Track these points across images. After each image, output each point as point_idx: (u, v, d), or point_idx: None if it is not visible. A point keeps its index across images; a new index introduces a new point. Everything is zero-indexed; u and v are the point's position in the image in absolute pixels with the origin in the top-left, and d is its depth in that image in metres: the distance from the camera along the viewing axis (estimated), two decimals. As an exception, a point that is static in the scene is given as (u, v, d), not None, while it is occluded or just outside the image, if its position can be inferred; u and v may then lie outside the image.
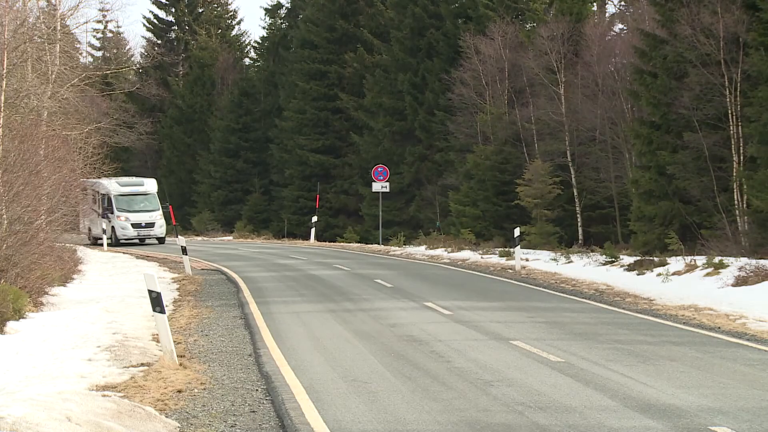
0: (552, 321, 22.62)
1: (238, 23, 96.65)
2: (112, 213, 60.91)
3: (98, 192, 62.17)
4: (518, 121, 52.76)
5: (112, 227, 60.60)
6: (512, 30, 53.39)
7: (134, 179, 64.61)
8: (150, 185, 63.37)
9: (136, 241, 62.28)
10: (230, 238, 75.47)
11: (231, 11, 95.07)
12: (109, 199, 61.25)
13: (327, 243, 64.22)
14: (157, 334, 18.87)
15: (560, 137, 49.65)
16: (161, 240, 62.31)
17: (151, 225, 61.54)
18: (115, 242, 60.34)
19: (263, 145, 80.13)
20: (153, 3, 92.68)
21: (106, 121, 53.49)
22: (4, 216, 25.95)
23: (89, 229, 63.24)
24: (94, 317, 23.28)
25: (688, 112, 36.89)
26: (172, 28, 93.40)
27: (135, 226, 61.16)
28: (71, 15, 50.51)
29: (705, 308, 24.21)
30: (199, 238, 74.27)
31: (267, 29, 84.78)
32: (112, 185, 61.20)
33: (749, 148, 35.25)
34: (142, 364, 17.23)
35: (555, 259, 38.83)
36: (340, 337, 20.72)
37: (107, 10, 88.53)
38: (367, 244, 61.44)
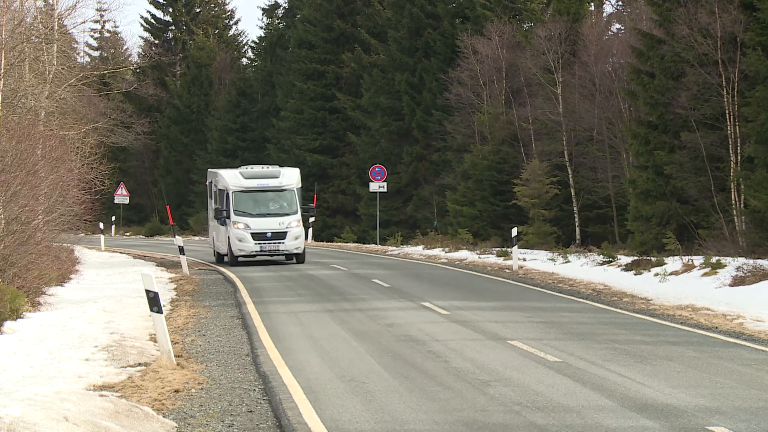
0: (549, 321, 22.62)
1: (236, 23, 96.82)
2: (229, 217, 41.51)
3: (216, 186, 44.36)
4: (515, 121, 52.77)
5: (228, 238, 41.62)
6: (509, 30, 53.40)
7: (265, 169, 43.62)
8: (287, 177, 42.72)
9: (260, 258, 42.46)
10: (228, 237, 75.37)
11: (228, 11, 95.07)
12: (227, 197, 41.89)
13: (324, 243, 64.23)
14: (155, 334, 18.86)
15: (557, 137, 49.65)
16: (299, 258, 42.18)
17: (280, 236, 41.17)
18: (232, 260, 41.80)
19: (261, 145, 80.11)
20: (150, 3, 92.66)
21: (103, 121, 53.41)
22: (2, 216, 25.93)
23: (212, 240, 46.32)
24: (91, 317, 23.27)
25: (686, 112, 36.90)
26: (170, 28, 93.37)
27: (257, 237, 40.98)
28: (68, 15, 50.44)
29: (702, 308, 24.21)
30: (197, 238, 74.22)
31: (264, 29, 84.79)
32: (232, 177, 42.47)
33: (746, 148, 35.26)
34: (140, 364, 17.23)
35: (552, 259, 38.83)
36: (337, 336, 20.72)
37: (105, 10, 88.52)
38: (364, 244, 61.46)
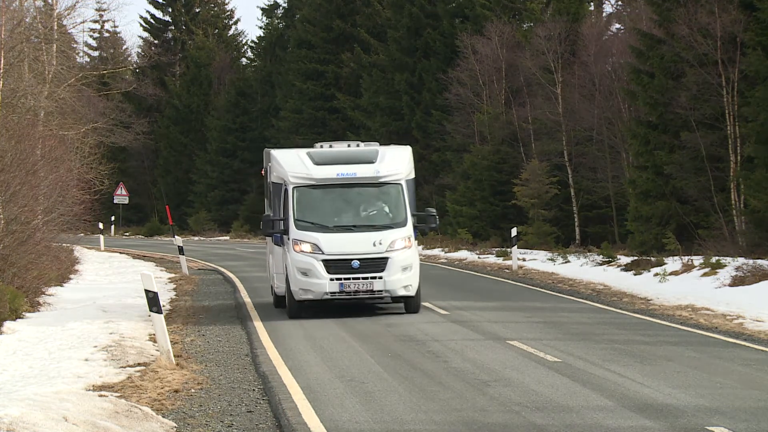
0: (549, 321, 22.62)
1: (235, 23, 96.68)
2: (287, 232, 24.70)
3: (270, 177, 26.93)
4: (515, 121, 52.76)
5: (286, 267, 24.64)
6: (509, 30, 53.38)
7: (351, 147, 26.51)
8: (390, 161, 25.33)
9: (341, 301, 24.58)
10: (227, 238, 75.51)
11: (228, 11, 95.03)
12: (285, 196, 25.30)
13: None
14: (154, 334, 18.85)
15: (557, 137, 49.63)
16: (410, 304, 24.71)
17: (376, 266, 24.02)
18: (292, 309, 24.39)
19: (260, 144, 79.92)
20: (150, 3, 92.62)
21: (102, 121, 53.38)
22: (1, 216, 25.93)
23: (269, 268, 28.26)
24: (91, 317, 23.27)
25: (685, 112, 36.89)
26: (169, 28, 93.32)
27: (334, 267, 24.03)
28: (68, 15, 50.46)
29: (702, 308, 24.20)
30: (196, 238, 74.25)
31: (264, 29, 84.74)
32: (294, 162, 25.40)
33: (746, 147, 35.26)
34: (139, 364, 17.22)
35: (552, 259, 38.81)
36: (336, 337, 20.71)
37: (104, 10, 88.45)
38: (364, 243, 61.28)
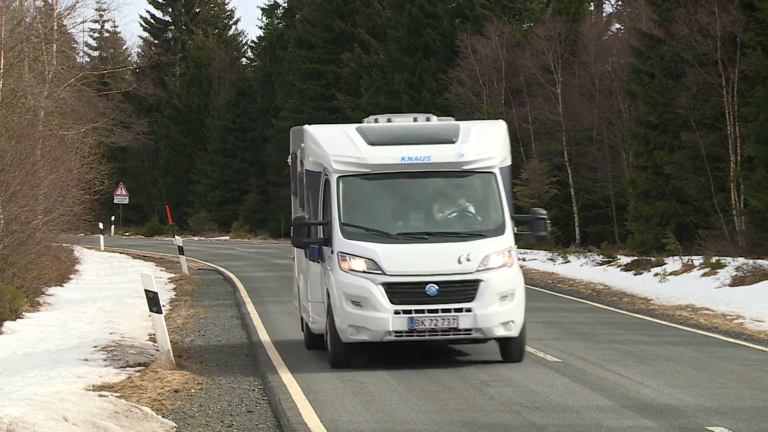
0: (549, 321, 22.61)
1: (235, 23, 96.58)
2: (329, 243, 17.15)
3: (301, 164, 19.11)
4: (515, 121, 52.71)
5: (328, 294, 17.17)
6: (509, 30, 53.36)
7: (421, 122, 18.67)
8: (478, 141, 17.71)
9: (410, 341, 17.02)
10: (227, 238, 75.52)
11: (228, 11, 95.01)
12: (326, 190, 17.83)
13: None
14: (154, 334, 18.85)
15: (557, 137, 49.62)
16: (508, 348, 17.09)
17: (462, 292, 16.57)
18: (338, 354, 16.99)
19: (260, 144, 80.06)
20: (150, 3, 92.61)
21: (102, 121, 53.35)
22: (1, 216, 25.93)
23: (297, 291, 20.68)
24: (91, 317, 23.27)
25: (685, 112, 36.88)
26: (169, 27, 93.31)
27: (401, 294, 16.56)
28: (68, 15, 50.44)
29: (702, 308, 24.20)
30: (196, 238, 74.26)
31: (264, 29, 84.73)
32: (342, 142, 17.88)
33: (746, 147, 35.25)
34: (139, 364, 17.23)
35: (552, 259, 38.81)
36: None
37: (104, 10, 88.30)
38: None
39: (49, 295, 28.10)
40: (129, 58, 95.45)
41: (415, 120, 18.78)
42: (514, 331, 16.63)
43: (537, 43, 49.86)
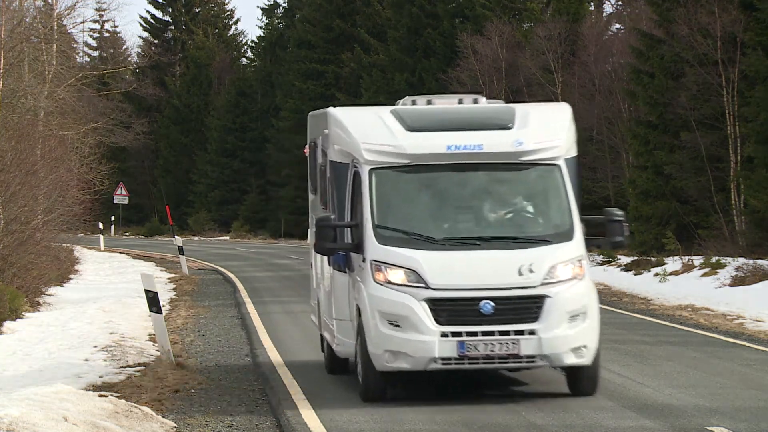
0: (549, 321, 22.56)
1: (235, 23, 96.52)
2: (361, 249, 14.32)
3: (322, 154, 16.45)
4: (515, 121, 52.75)
5: (358, 311, 14.29)
6: (509, 30, 53.37)
7: (466, 105, 15.93)
8: (536, 128, 14.85)
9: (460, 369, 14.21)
10: (227, 238, 75.53)
11: (228, 11, 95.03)
12: (354, 187, 15.00)
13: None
14: (154, 334, 18.85)
15: (557, 137, 49.58)
16: (581, 381, 14.30)
17: (523, 310, 13.88)
18: (371, 384, 14.19)
19: (260, 144, 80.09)
20: (150, 3, 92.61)
21: (102, 121, 53.33)
22: (1, 216, 25.94)
23: (317, 306, 17.35)
24: (90, 317, 23.28)
25: (686, 112, 36.87)
26: (169, 27, 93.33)
27: (447, 309, 13.84)
28: (68, 15, 50.46)
29: (702, 308, 24.20)
30: (196, 238, 74.28)
31: (264, 29, 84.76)
32: (376, 126, 14.98)
33: (746, 147, 35.24)
34: (139, 364, 17.23)
35: (552, 259, 38.73)
36: None
37: (104, 10, 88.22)
38: (364, 244, 61.25)
39: (49, 295, 28.11)
40: (129, 58, 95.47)
41: (460, 102, 16.02)
42: (586, 359, 13.93)
43: (537, 43, 49.87)
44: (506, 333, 13.67)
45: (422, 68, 61.95)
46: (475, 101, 15.98)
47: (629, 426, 12.47)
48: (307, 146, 18.45)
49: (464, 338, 13.62)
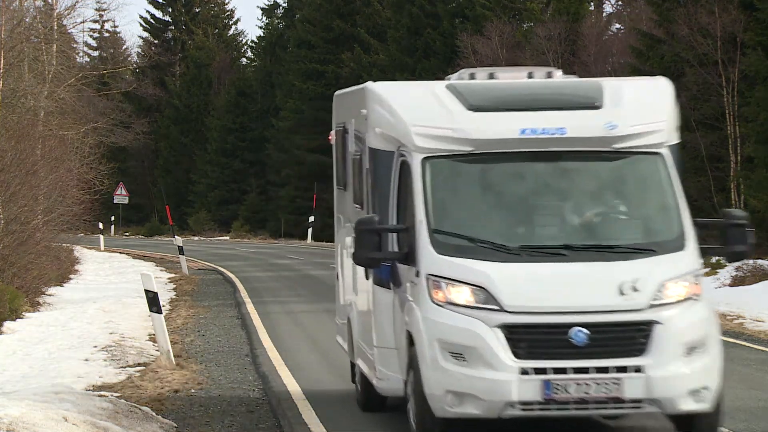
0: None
1: (235, 23, 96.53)
2: (411, 260, 11.24)
3: (353, 140, 13.58)
4: (515, 121, 52.78)
5: (410, 338, 11.16)
6: (509, 30, 53.40)
7: (537, 82, 12.61)
8: (630, 106, 11.68)
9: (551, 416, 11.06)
10: (227, 238, 75.56)
11: (228, 11, 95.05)
12: (398, 180, 12.00)
13: (324, 243, 64.23)
14: (154, 334, 18.86)
15: (557, 137, 49.63)
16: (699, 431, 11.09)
17: (626, 339, 10.77)
18: (425, 425, 11.00)
19: (260, 144, 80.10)
20: (150, 3, 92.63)
21: (102, 121, 53.36)
22: (1, 216, 25.95)
23: (348, 325, 14.05)
24: (90, 317, 23.29)
25: (686, 112, 36.78)
26: (169, 27, 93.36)
27: (527, 338, 10.70)
28: (68, 15, 50.48)
29: (702, 308, 24.15)
30: (196, 238, 74.29)
31: (264, 29, 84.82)
32: (429, 106, 11.76)
33: (746, 147, 35.25)
34: (139, 364, 17.24)
35: (552, 259, 38.74)
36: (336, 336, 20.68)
37: (104, 10, 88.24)
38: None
39: (49, 295, 28.11)
40: (129, 58, 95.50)
41: (530, 76, 12.87)
42: (707, 403, 10.85)
43: (537, 43, 49.89)
44: (605, 370, 10.63)
45: (422, 68, 61.93)
46: (549, 75, 12.87)
47: (629, 426, 12.45)
48: (332, 132, 15.76)
49: (550, 376, 10.60)
